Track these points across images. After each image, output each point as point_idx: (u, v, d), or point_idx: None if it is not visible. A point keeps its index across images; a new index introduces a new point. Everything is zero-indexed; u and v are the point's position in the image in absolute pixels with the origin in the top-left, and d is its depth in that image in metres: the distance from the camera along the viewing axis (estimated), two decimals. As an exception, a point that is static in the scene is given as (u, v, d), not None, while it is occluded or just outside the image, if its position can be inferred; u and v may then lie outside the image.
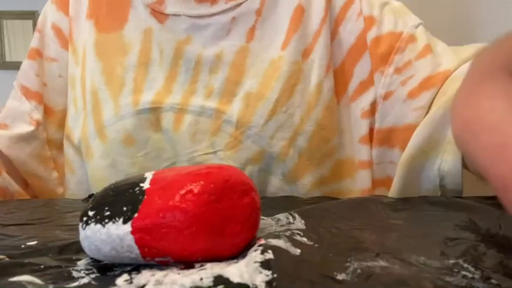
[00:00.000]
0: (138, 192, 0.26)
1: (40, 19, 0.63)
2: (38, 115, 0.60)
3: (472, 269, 0.25)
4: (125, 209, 0.25)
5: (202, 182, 0.25)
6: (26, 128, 0.59)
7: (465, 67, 0.51)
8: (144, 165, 0.53)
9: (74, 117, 0.59)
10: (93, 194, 0.53)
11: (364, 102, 0.56)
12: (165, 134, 0.53)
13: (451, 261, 0.27)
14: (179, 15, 0.55)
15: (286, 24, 0.55)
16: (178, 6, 0.56)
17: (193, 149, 0.53)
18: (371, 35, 0.56)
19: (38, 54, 0.62)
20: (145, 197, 0.25)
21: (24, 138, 0.59)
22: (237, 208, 0.26)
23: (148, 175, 0.27)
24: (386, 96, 0.55)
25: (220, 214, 0.25)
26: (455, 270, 0.25)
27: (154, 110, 0.53)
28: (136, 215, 0.25)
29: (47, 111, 0.61)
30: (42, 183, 0.61)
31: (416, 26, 0.56)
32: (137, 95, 0.54)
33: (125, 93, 0.54)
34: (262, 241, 0.26)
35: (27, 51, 0.62)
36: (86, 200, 0.52)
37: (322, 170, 0.54)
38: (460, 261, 0.27)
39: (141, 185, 0.26)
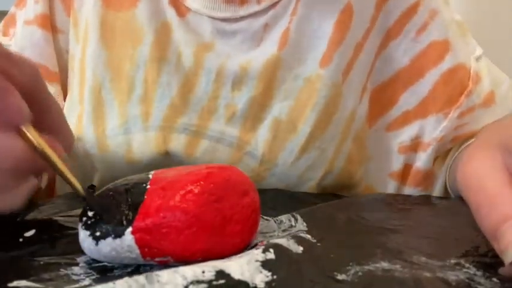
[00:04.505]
0: (138, 192, 0.26)
1: None
2: (63, 102, 0.50)
3: (473, 269, 0.25)
4: (125, 209, 0.25)
5: (202, 182, 0.25)
6: None
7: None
8: None
9: (69, 107, 0.49)
10: (93, 185, 0.52)
11: (404, 135, 0.48)
12: (174, 157, 0.45)
13: (453, 261, 0.27)
14: (201, 14, 0.46)
15: (329, 28, 0.45)
16: (201, 2, 0.46)
17: None
18: (443, 66, 0.46)
19: (50, 22, 0.49)
20: (146, 197, 0.25)
21: None
22: (237, 208, 0.26)
23: (148, 175, 0.27)
24: (441, 139, 0.47)
25: (220, 214, 0.25)
26: (457, 270, 0.25)
27: (165, 129, 0.45)
28: (136, 215, 0.25)
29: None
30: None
31: (478, 58, 0.48)
32: (147, 105, 0.45)
33: (133, 100, 0.46)
34: (264, 242, 0.26)
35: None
36: (87, 190, 0.50)
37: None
38: (462, 261, 0.27)
39: (142, 185, 0.26)
